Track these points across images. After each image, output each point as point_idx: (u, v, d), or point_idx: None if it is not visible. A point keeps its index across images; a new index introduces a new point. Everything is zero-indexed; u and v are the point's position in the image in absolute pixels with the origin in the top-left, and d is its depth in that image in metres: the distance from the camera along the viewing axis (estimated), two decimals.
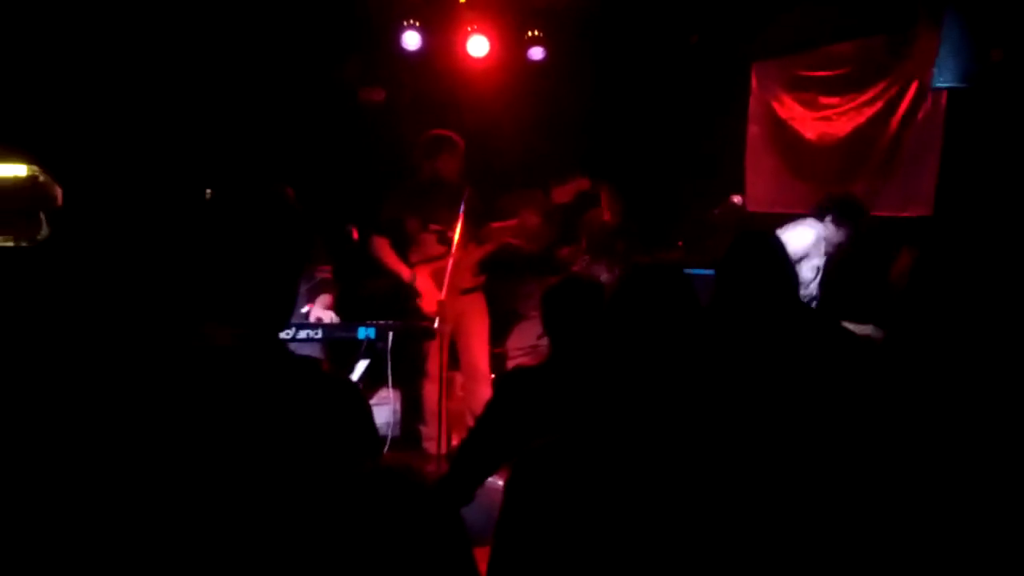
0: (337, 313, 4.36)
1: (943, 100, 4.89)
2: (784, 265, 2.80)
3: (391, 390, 4.26)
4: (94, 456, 1.36)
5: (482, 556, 1.73)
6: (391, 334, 3.98)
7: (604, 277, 4.41)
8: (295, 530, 0.96)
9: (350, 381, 1.65)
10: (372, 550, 0.98)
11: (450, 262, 4.35)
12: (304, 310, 4.23)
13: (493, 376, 4.78)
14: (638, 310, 1.82)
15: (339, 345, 4.17)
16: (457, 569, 1.04)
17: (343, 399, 1.53)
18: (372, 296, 5.01)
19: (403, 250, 4.73)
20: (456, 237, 4.39)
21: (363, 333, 3.95)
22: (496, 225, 4.81)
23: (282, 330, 1.61)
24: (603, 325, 1.83)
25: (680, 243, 5.84)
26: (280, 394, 1.46)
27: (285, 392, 1.47)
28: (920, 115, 5.06)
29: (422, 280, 4.56)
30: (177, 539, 1.31)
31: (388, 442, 4.19)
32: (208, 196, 1.58)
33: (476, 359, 4.80)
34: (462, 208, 4.41)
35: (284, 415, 1.43)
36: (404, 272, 4.62)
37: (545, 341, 3.16)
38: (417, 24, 5.96)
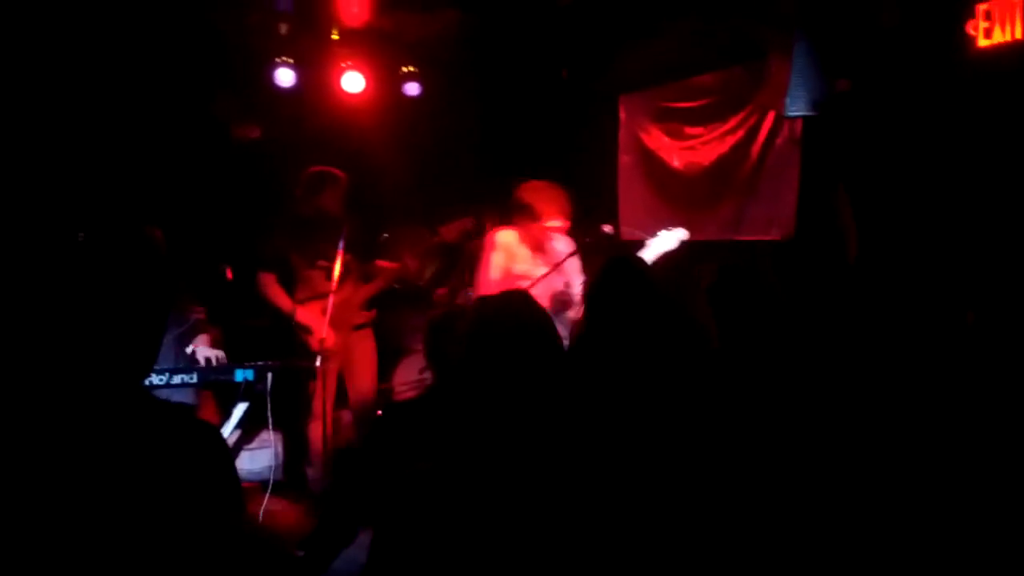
0: (223, 350, 4.24)
1: (799, 127, 5.17)
2: (650, 286, 2.87)
3: (272, 432, 4.18)
4: None
5: None
6: (270, 375, 3.91)
7: None
8: None
9: (213, 430, 1.62)
10: None
11: (330, 299, 4.31)
12: (189, 350, 4.08)
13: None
14: (503, 339, 1.87)
15: (217, 387, 4.07)
16: None
17: (205, 449, 1.51)
18: (257, 334, 4.89)
19: (290, 287, 4.64)
20: (336, 273, 4.36)
21: (240, 376, 3.87)
22: (382, 264, 4.79)
23: (146, 377, 1.58)
24: (468, 355, 1.87)
25: None
26: (140, 445, 1.43)
27: (146, 443, 1.44)
28: (779, 141, 5.34)
29: (311, 317, 4.45)
30: None
31: (271, 486, 4.09)
32: (78, 239, 1.56)
33: (365, 396, 4.74)
34: (341, 244, 4.38)
35: (144, 467, 1.41)
36: (290, 309, 4.53)
37: (428, 375, 3.17)
38: (290, 61, 5.93)
